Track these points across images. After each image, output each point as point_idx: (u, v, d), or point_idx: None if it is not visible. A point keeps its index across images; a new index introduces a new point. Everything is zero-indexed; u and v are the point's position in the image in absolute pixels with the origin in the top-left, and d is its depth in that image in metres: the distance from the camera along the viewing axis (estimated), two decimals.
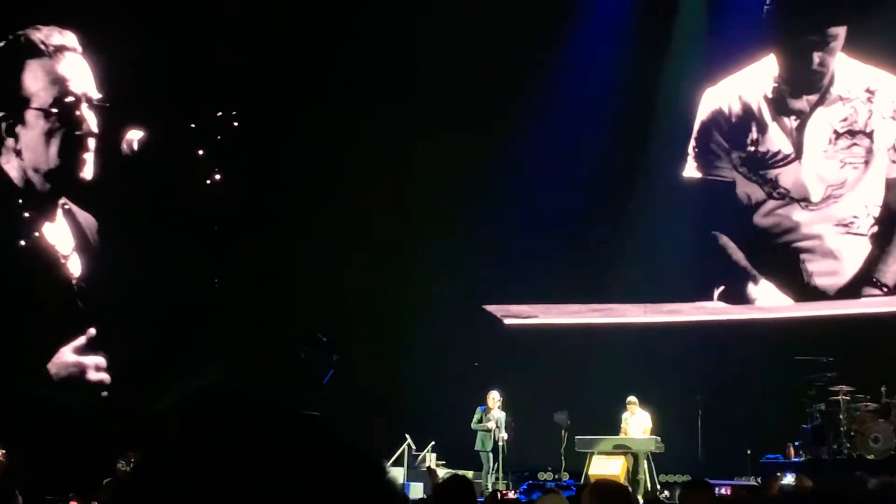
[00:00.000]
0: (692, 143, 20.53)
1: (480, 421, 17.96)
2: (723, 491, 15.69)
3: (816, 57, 19.64)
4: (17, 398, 17.19)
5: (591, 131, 19.89)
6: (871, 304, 18.98)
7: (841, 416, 15.71)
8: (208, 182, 20.65)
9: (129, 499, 1.09)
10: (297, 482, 1.03)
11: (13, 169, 19.64)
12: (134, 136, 20.31)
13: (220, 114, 20.71)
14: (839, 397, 15.86)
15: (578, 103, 19.95)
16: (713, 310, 19.97)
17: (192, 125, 20.60)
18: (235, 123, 20.77)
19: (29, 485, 12.41)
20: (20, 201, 19.46)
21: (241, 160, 20.48)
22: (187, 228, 19.73)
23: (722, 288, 20.06)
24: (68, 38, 19.94)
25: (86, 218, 19.91)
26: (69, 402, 17.71)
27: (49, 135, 19.71)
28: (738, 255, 19.99)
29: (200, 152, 20.66)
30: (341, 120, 20.34)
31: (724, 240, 20.06)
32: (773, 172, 19.84)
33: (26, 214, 19.44)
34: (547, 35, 20.52)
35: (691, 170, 20.49)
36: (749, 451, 16.84)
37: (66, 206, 19.79)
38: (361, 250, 20.30)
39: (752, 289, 19.88)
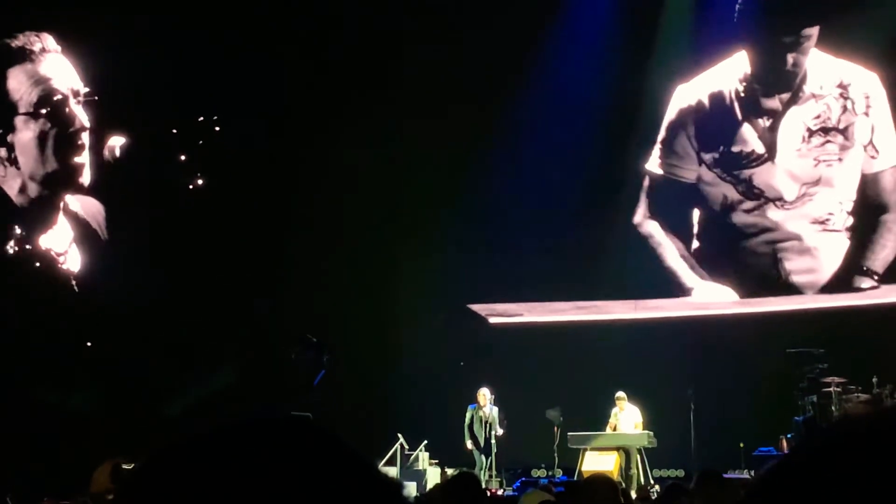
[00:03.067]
0: (661, 136, 20.55)
1: (472, 420, 18.01)
2: None
3: (790, 58, 19.63)
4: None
5: (575, 129, 19.88)
6: (861, 296, 19.09)
7: (833, 408, 15.82)
8: (191, 187, 20.56)
9: None
10: (302, 495, 0.99)
11: (11, 180, 19.48)
12: (116, 143, 20.21)
13: (201, 119, 20.64)
14: (831, 389, 15.96)
15: (561, 101, 19.97)
16: (699, 305, 20.05)
17: (174, 130, 20.52)
18: (217, 128, 20.69)
19: (19, 491, 12.33)
20: (15, 215, 19.36)
21: (223, 164, 20.41)
22: (171, 233, 19.64)
23: (699, 284, 20.15)
24: (47, 41, 19.81)
25: (89, 207, 19.86)
26: (74, 404, 17.57)
27: (42, 137, 19.60)
28: (716, 253, 20.11)
29: (182, 157, 20.58)
30: (323, 120, 20.32)
31: (704, 237, 20.18)
32: (746, 172, 19.88)
33: (18, 231, 19.34)
34: (532, 31, 20.51)
35: (654, 164, 20.55)
36: (742, 445, 16.89)
37: (67, 203, 19.73)
38: (347, 251, 20.28)
39: (728, 285, 19.97)
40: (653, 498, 12.33)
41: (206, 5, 19.92)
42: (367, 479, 1.05)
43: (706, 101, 20.24)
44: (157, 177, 19.96)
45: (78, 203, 19.85)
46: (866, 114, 19.50)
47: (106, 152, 20.12)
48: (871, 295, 18.98)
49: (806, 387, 16.49)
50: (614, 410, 17.91)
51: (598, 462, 16.96)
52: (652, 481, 17.18)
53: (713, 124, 20.22)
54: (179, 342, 18.76)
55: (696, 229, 20.29)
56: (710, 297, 19.96)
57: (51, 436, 16.19)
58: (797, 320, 18.85)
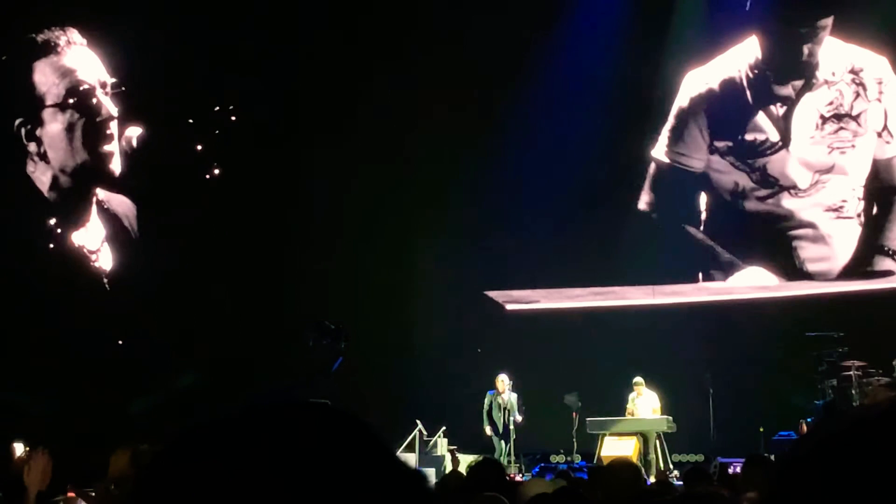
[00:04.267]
0: (670, 123, 20.47)
1: (490, 406, 18.04)
2: (737, 469, 15.75)
3: (806, 49, 19.47)
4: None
5: (591, 113, 19.76)
6: (880, 280, 19.00)
7: (853, 391, 15.77)
8: (207, 177, 20.61)
9: (147, 498, 1.02)
10: (329, 485, 0.97)
11: (42, 175, 19.54)
12: (133, 133, 20.27)
13: (217, 108, 20.67)
14: (851, 372, 15.91)
15: (577, 86, 19.86)
16: (716, 290, 20.00)
17: (190, 120, 20.57)
18: (233, 118, 20.72)
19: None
20: (48, 210, 19.42)
21: (239, 153, 20.45)
22: (188, 222, 19.70)
23: (714, 270, 20.13)
24: (72, 34, 19.89)
25: (122, 203, 19.91)
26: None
27: (70, 129, 19.65)
28: (726, 241, 20.07)
29: (199, 147, 20.62)
30: (337, 108, 20.33)
31: (713, 225, 20.13)
32: (760, 161, 19.78)
33: (52, 222, 19.39)
34: (544, 17, 20.48)
35: (660, 152, 20.47)
36: (762, 429, 16.86)
37: (100, 199, 19.78)
38: (363, 237, 20.30)
39: (743, 272, 19.92)
40: (672, 483, 12.35)
41: None
42: (392, 470, 1.03)
43: (717, 88, 20.09)
44: (175, 167, 19.99)
45: (110, 200, 19.91)
46: (879, 99, 19.40)
47: (123, 143, 20.18)
48: (891, 279, 18.90)
49: (825, 370, 16.45)
50: (631, 396, 17.89)
51: (617, 447, 16.94)
52: (671, 466, 17.17)
53: (725, 112, 20.09)
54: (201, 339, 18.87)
55: (703, 217, 20.20)
56: (740, 282, 19.89)
57: (73, 428, 16.24)
58: (815, 304, 18.81)
